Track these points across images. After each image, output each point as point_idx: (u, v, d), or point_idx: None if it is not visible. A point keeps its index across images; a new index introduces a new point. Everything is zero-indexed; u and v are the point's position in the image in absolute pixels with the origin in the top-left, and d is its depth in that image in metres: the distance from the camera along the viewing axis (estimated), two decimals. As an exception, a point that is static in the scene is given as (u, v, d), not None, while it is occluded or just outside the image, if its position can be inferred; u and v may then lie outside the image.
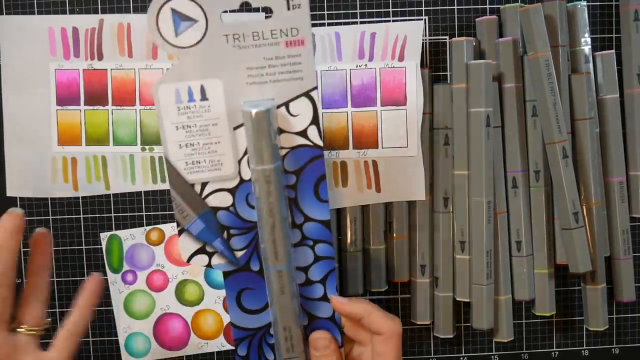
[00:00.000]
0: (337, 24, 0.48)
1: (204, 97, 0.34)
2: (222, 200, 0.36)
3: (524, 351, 0.52)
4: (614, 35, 0.49)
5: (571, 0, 0.48)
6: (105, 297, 0.50)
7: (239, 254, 0.37)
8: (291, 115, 0.35)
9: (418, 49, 0.47)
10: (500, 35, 0.48)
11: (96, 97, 0.48)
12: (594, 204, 0.47)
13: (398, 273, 0.49)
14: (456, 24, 0.49)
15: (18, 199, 0.49)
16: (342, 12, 0.48)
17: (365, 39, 0.47)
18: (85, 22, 0.48)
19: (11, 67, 0.48)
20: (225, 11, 0.35)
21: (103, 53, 0.48)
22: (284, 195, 0.35)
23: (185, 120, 0.35)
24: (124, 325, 0.50)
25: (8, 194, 0.49)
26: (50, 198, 0.49)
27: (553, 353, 0.52)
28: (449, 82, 0.49)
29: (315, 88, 0.35)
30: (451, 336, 0.49)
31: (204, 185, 0.36)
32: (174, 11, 0.33)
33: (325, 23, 0.48)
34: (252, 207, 0.37)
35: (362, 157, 0.48)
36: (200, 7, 0.33)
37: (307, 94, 0.35)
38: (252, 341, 0.39)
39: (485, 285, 0.46)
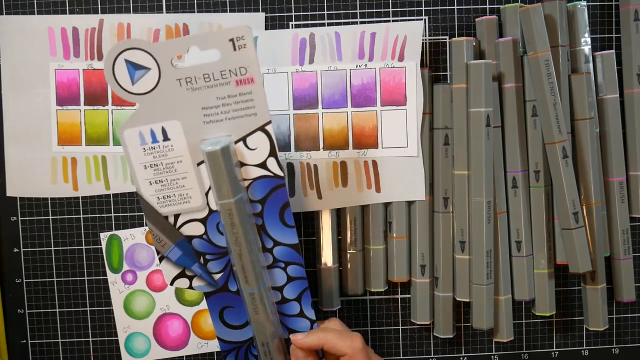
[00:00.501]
0: (337, 24, 0.48)
1: (166, 138, 0.36)
2: (195, 229, 0.39)
3: (524, 351, 0.52)
4: (614, 35, 0.49)
5: (571, 0, 0.48)
6: (105, 297, 0.50)
7: (217, 276, 0.39)
8: (249, 149, 0.37)
9: (418, 49, 0.47)
10: (500, 35, 0.48)
11: (96, 97, 0.48)
12: (594, 204, 0.47)
13: (398, 273, 0.49)
14: (456, 24, 0.49)
15: (18, 199, 0.49)
16: (342, 12, 0.48)
17: (365, 39, 0.47)
18: (85, 22, 0.48)
19: (11, 67, 0.48)
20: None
21: (103, 53, 0.48)
22: (250, 223, 0.37)
23: (152, 160, 0.37)
24: (124, 325, 0.50)
25: (8, 194, 0.49)
26: (50, 198, 0.49)
27: (553, 353, 0.52)
28: (449, 82, 0.49)
29: (269, 122, 0.37)
30: (451, 336, 0.49)
31: (176, 216, 0.38)
32: (127, 62, 0.35)
33: (325, 23, 0.48)
34: (222, 234, 0.39)
35: (362, 157, 0.48)
36: (152, 56, 0.35)
37: (262, 129, 0.37)
38: (238, 352, 0.41)
39: (485, 285, 0.46)
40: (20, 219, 0.49)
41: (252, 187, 0.38)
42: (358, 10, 0.49)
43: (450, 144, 0.48)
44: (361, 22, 0.49)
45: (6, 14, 0.48)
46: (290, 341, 0.41)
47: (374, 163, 0.48)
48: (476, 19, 0.48)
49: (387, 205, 0.49)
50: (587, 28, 0.48)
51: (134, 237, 0.49)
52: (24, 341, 0.50)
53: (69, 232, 0.49)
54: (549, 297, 0.48)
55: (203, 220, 0.38)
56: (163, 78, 0.35)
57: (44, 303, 0.50)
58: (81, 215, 0.49)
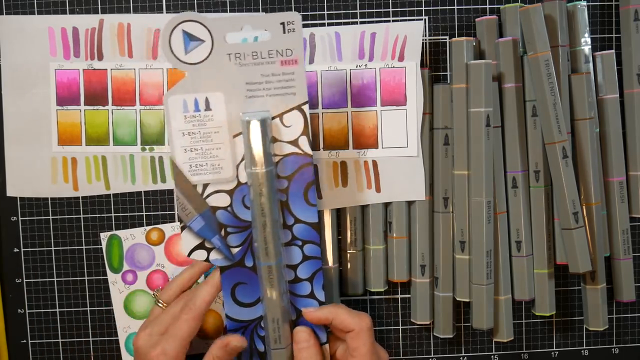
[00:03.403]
0: (337, 24, 0.48)
1: (208, 108, 0.39)
2: (221, 200, 0.40)
3: (524, 351, 0.52)
4: (614, 35, 0.49)
5: (571, 0, 0.48)
6: (105, 297, 0.50)
7: (235, 250, 0.40)
8: (284, 126, 0.39)
9: (418, 49, 0.47)
10: (500, 35, 0.48)
11: (96, 97, 0.48)
12: (594, 204, 0.47)
13: (398, 273, 0.49)
14: (456, 24, 0.49)
15: (18, 199, 0.49)
16: (342, 12, 0.48)
17: (365, 39, 0.47)
18: (85, 22, 0.48)
19: (11, 67, 0.48)
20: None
21: (103, 53, 0.48)
22: (276, 197, 0.39)
23: (191, 128, 0.39)
24: (124, 325, 0.50)
25: (8, 194, 0.49)
26: (50, 198, 0.49)
27: (553, 353, 0.52)
28: (449, 82, 0.49)
29: (307, 102, 0.39)
30: (451, 336, 0.49)
31: (205, 186, 0.40)
32: (184, 32, 0.38)
33: (325, 23, 0.48)
34: (248, 208, 0.40)
35: (362, 157, 0.48)
36: (208, 29, 0.38)
37: (299, 108, 0.39)
38: (244, 333, 0.42)
39: (485, 285, 0.46)
40: (20, 219, 0.49)
41: (282, 163, 0.40)
42: (358, 10, 0.49)
43: (450, 144, 0.48)
44: (361, 22, 0.49)
45: (6, 14, 0.48)
46: (301, 318, 0.41)
47: (374, 163, 0.48)
48: (476, 19, 0.48)
49: (387, 205, 0.49)
50: (587, 28, 0.48)
51: (134, 237, 0.49)
52: (24, 341, 0.50)
53: (69, 232, 0.49)
54: (549, 297, 0.48)
55: (230, 192, 0.40)
56: (215, 51, 0.38)
57: (44, 303, 0.50)
58: (81, 215, 0.49)
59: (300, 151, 0.40)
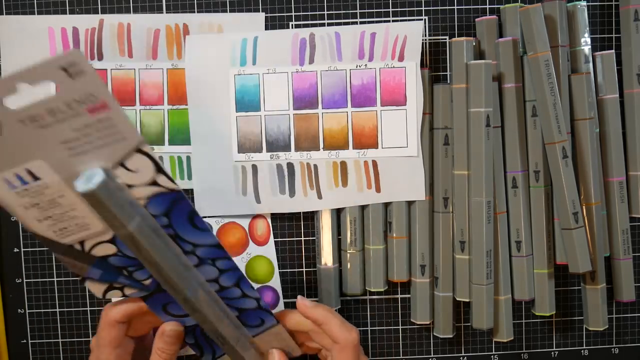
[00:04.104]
0: (337, 24, 0.48)
1: (35, 178, 0.32)
2: (106, 249, 0.36)
3: (524, 351, 0.52)
4: (614, 35, 0.49)
5: (571, 0, 0.48)
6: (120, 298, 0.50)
7: (146, 282, 0.37)
8: (131, 171, 0.33)
9: (418, 49, 0.47)
10: (500, 35, 0.48)
11: (96, 97, 0.48)
12: (593, 204, 0.47)
13: (398, 273, 0.49)
14: (456, 24, 0.49)
15: (18, 199, 0.49)
16: (342, 12, 0.48)
17: (365, 39, 0.47)
18: (85, 22, 0.48)
19: (11, 67, 0.48)
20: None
21: (103, 53, 0.48)
22: (160, 237, 0.35)
23: (30, 200, 0.33)
24: (124, 325, 0.50)
25: (8, 194, 0.49)
26: (50, 198, 0.49)
27: (553, 353, 0.52)
28: (449, 82, 0.49)
29: (143, 142, 0.32)
30: (451, 336, 0.49)
31: (82, 242, 0.35)
32: None
33: (325, 23, 0.48)
34: None
35: (362, 157, 0.48)
36: None
37: (137, 150, 0.32)
38: (194, 331, 0.41)
39: (485, 285, 0.46)
40: (20, 219, 0.49)
41: (151, 204, 0.34)
42: (358, 10, 0.49)
43: (450, 144, 0.48)
44: (361, 22, 0.49)
45: (6, 14, 0.48)
46: (246, 311, 0.41)
47: (374, 163, 0.48)
48: (476, 19, 0.48)
49: (387, 205, 0.49)
50: (587, 28, 0.48)
51: (134, 237, 0.49)
52: (24, 341, 0.50)
53: (69, 232, 0.49)
54: (549, 297, 0.48)
55: (111, 241, 0.35)
56: (3, 122, 0.30)
57: (44, 303, 0.50)
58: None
59: (163, 189, 0.34)
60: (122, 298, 0.39)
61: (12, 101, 0.30)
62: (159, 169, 0.33)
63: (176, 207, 0.35)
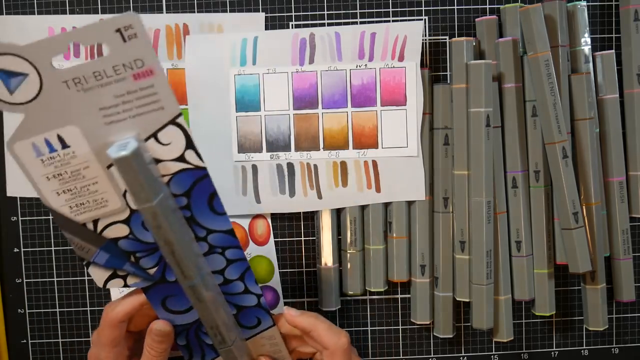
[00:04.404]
0: (337, 24, 0.48)
1: (64, 145, 0.32)
2: (119, 231, 0.35)
3: (524, 351, 0.52)
4: (614, 35, 0.49)
5: (571, 0, 0.48)
6: (105, 297, 0.50)
7: (152, 271, 0.37)
8: (163, 144, 0.33)
9: (418, 49, 0.47)
10: (500, 35, 0.48)
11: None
12: (594, 204, 0.47)
13: (398, 273, 0.49)
14: (456, 24, 0.49)
15: (18, 199, 0.49)
16: (342, 12, 0.48)
17: (365, 39, 0.47)
18: (85, 22, 0.48)
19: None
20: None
21: (103, 53, 0.48)
22: (177, 219, 0.35)
23: (54, 170, 0.33)
24: (124, 325, 0.50)
25: (8, 194, 0.49)
26: (50, 198, 0.49)
27: (553, 353, 0.52)
28: (449, 82, 0.49)
29: (180, 114, 0.32)
30: (451, 336, 0.49)
31: (95, 222, 0.35)
32: (2, 67, 0.30)
33: (325, 23, 0.48)
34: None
35: (362, 157, 0.48)
36: (26, 59, 0.30)
37: (173, 122, 0.33)
38: (188, 333, 0.40)
39: (485, 285, 0.46)
40: (20, 219, 0.49)
41: (174, 182, 0.34)
42: (358, 10, 0.49)
43: (450, 144, 0.48)
44: (361, 22, 0.49)
45: (6, 14, 0.48)
46: (243, 311, 0.41)
47: (374, 163, 0.48)
48: (476, 19, 0.48)
49: (387, 205, 0.49)
50: (587, 28, 0.48)
51: (134, 237, 0.49)
52: (24, 341, 0.50)
53: (69, 232, 0.49)
54: (549, 297, 0.48)
55: (126, 221, 0.35)
56: (46, 82, 0.30)
57: (44, 303, 0.50)
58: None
59: (190, 166, 0.34)
60: (122, 296, 0.38)
61: (58, 62, 0.30)
62: (190, 145, 0.33)
63: (198, 185, 0.35)
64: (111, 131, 0.32)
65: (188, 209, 0.35)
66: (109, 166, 0.33)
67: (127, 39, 0.30)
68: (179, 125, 0.33)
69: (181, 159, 0.34)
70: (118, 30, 0.30)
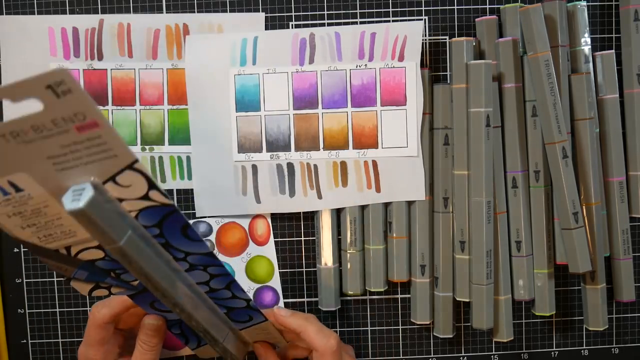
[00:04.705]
0: (337, 24, 0.48)
1: (18, 189, 0.31)
2: (94, 254, 0.34)
3: (524, 351, 0.52)
4: (614, 35, 0.49)
5: (571, 0, 0.48)
6: (105, 297, 0.50)
7: (134, 283, 0.36)
8: (123, 186, 0.31)
9: (418, 49, 0.47)
10: (500, 35, 0.48)
11: (96, 97, 0.48)
12: (594, 204, 0.47)
13: (398, 273, 0.49)
14: (456, 24, 0.49)
15: (18, 199, 0.49)
16: (342, 12, 0.48)
17: (365, 39, 0.47)
18: (85, 22, 0.48)
19: (11, 67, 0.48)
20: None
21: (103, 53, 0.48)
22: (150, 247, 0.34)
23: (13, 209, 0.31)
24: (124, 325, 0.50)
25: (8, 194, 0.49)
26: (50, 198, 0.49)
27: (553, 353, 0.52)
28: (449, 82, 0.49)
29: (137, 161, 0.30)
30: (451, 336, 0.49)
31: (68, 248, 0.33)
32: None
33: (325, 23, 0.48)
34: None
35: (362, 157, 0.48)
36: None
37: (130, 168, 0.30)
38: (181, 324, 0.41)
39: (485, 285, 0.46)
40: (20, 219, 0.49)
41: (142, 217, 0.33)
42: (358, 10, 0.49)
43: (450, 144, 0.48)
44: (361, 22, 0.49)
45: (6, 14, 0.48)
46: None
47: (374, 163, 0.48)
48: (476, 19, 0.48)
49: (387, 205, 0.49)
50: (587, 28, 0.48)
51: (134, 237, 0.49)
52: (24, 341, 0.50)
53: (69, 232, 0.49)
54: (549, 297, 0.48)
55: (99, 246, 0.33)
56: None
57: (44, 303, 0.50)
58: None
59: (156, 203, 0.32)
60: (109, 298, 0.39)
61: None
62: (152, 185, 0.31)
63: (168, 219, 0.33)
64: (64, 177, 0.30)
65: (162, 237, 0.34)
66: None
67: (60, 94, 0.27)
68: (138, 171, 0.31)
69: (145, 197, 0.32)
70: (49, 87, 0.27)
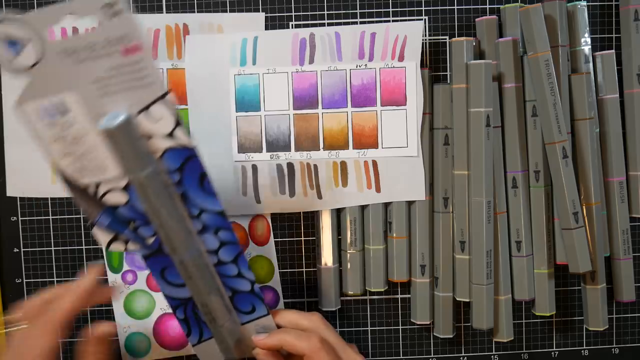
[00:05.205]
0: (337, 24, 0.48)
1: (65, 112, 0.34)
2: (118, 198, 0.37)
3: (524, 351, 0.52)
4: (614, 35, 0.49)
5: (571, 0, 0.48)
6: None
7: (150, 240, 0.38)
8: (153, 120, 0.35)
9: (418, 49, 0.47)
10: (500, 35, 0.48)
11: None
12: (594, 204, 0.47)
13: (398, 273, 0.49)
14: (456, 24, 0.49)
15: (18, 198, 0.49)
16: (342, 12, 0.48)
17: (365, 39, 0.47)
18: (84, 22, 0.48)
19: (11, 67, 0.48)
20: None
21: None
22: (170, 194, 0.36)
23: (57, 133, 0.35)
24: (124, 325, 0.50)
25: (8, 194, 0.49)
26: (50, 198, 0.49)
27: (553, 353, 0.52)
28: (449, 82, 0.49)
29: (168, 93, 0.34)
30: (451, 336, 0.49)
31: (97, 186, 0.36)
32: (5, 35, 0.33)
33: (325, 23, 0.48)
34: None
35: (362, 157, 0.48)
36: (29, 26, 0.33)
37: (161, 99, 0.34)
38: (186, 307, 0.41)
39: (485, 285, 0.46)
40: (20, 219, 0.49)
41: (166, 158, 0.36)
42: (358, 10, 0.49)
43: (450, 144, 0.48)
44: (361, 22, 0.49)
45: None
46: (237, 295, 0.42)
47: (374, 163, 0.48)
48: (476, 19, 0.48)
49: (387, 205, 0.49)
50: (587, 28, 0.48)
51: (134, 237, 0.49)
52: (24, 341, 0.50)
53: (69, 232, 0.49)
54: (549, 297, 0.48)
55: (125, 189, 0.36)
56: (47, 50, 0.33)
57: (44, 303, 0.50)
58: (81, 215, 0.49)
59: (178, 144, 0.36)
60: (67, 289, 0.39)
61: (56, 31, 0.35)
62: (178, 123, 0.35)
63: (188, 164, 0.36)
64: (106, 103, 0.34)
65: (181, 185, 0.37)
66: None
67: (114, 15, 0.32)
68: (167, 104, 0.34)
69: (171, 135, 0.35)
70: (105, 6, 0.32)
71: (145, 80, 0.34)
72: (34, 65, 0.33)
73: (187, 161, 0.36)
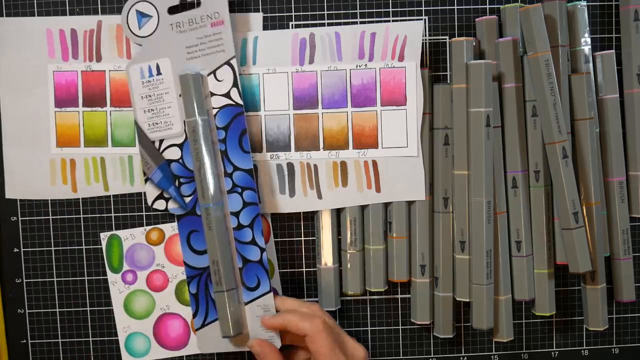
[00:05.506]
0: (337, 24, 0.48)
1: (158, 72, 0.46)
2: (174, 153, 0.46)
3: (524, 351, 0.52)
4: (614, 35, 0.49)
5: (571, 0, 0.48)
6: (105, 297, 0.50)
7: (188, 199, 0.46)
8: (218, 80, 0.45)
9: (418, 49, 0.47)
10: (500, 35, 0.48)
11: (94, 99, 0.48)
12: (594, 204, 0.47)
13: (398, 273, 0.49)
14: (456, 24, 0.49)
15: (18, 200, 0.49)
16: (342, 12, 0.48)
17: (365, 39, 0.47)
18: (83, 23, 0.48)
19: (10, 69, 0.48)
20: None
21: (101, 54, 0.48)
22: (210, 143, 0.45)
23: (147, 91, 0.46)
24: (124, 325, 0.50)
25: (7, 196, 0.49)
26: (50, 198, 0.49)
27: (553, 353, 0.52)
28: (449, 82, 0.48)
29: (234, 57, 0.45)
30: (451, 336, 0.49)
31: (161, 142, 0.46)
32: (137, 11, 0.46)
33: (325, 23, 0.48)
34: None
35: (362, 157, 0.48)
36: (154, 6, 0.46)
37: (228, 63, 0.45)
38: (199, 280, 0.46)
39: (485, 285, 0.46)
40: (20, 219, 0.49)
41: (219, 115, 0.45)
42: (358, 10, 0.48)
43: (450, 144, 0.48)
44: (361, 22, 0.48)
45: (5, 15, 0.48)
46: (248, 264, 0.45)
47: (374, 163, 0.48)
48: (476, 19, 0.48)
49: (387, 205, 0.49)
50: (587, 28, 0.48)
51: (134, 237, 0.49)
52: (24, 341, 0.50)
53: (69, 232, 0.49)
54: (549, 297, 0.48)
55: (180, 146, 0.46)
56: (160, 23, 0.45)
57: (44, 303, 0.50)
58: (81, 216, 0.49)
59: (232, 102, 0.45)
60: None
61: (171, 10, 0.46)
62: (235, 83, 0.45)
63: (235, 121, 0.45)
64: (189, 65, 0.45)
65: (224, 142, 0.45)
66: (181, 95, 0.45)
67: None
68: (231, 66, 0.45)
69: (227, 95, 0.45)
70: None
71: (220, 47, 0.45)
72: (148, 36, 0.46)
73: (235, 117, 0.45)
